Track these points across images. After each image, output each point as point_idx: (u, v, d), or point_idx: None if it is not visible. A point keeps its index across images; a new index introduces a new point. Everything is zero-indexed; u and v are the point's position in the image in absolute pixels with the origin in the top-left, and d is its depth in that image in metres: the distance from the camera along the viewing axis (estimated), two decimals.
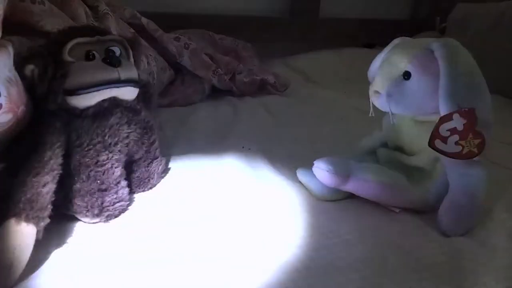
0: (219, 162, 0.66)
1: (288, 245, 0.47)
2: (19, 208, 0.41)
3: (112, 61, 0.49)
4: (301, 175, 0.60)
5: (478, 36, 1.22)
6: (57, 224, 0.47)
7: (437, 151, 0.48)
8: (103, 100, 0.50)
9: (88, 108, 0.49)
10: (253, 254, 0.45)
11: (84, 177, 0.49)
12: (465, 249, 0.48)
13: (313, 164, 0.55)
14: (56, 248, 0.44)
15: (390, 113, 0.53)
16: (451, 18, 1.39)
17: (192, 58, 0.97)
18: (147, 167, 0.57)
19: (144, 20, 0.95)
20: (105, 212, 0.49)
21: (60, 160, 0.46)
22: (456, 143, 0.47)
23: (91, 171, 0.49)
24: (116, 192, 0.50)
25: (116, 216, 0.50)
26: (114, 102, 0.51)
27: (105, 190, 0.50)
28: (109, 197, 0.49)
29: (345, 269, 0.44)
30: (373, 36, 1.54)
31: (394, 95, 0.52)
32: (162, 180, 0.60)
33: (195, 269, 0.42)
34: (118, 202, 0.50)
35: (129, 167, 0.56)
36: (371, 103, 0.56)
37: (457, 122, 0.46)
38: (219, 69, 0.99)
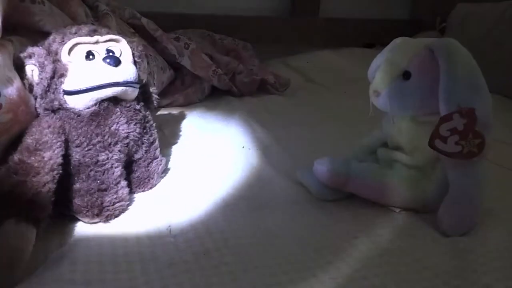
0: (219, 162, 0.66)
1: (288, 245, 0.47)
2: (19, 208, 0.41)
3: (111, 61, 0.49)
4: (301, 175, 0.60)
5: (478, 36, 1.22)
6: (57, 224, 0.47)
7: (437, 151, 0.48)
8: (103, 100, 0.50)
9: (87, 108, 0.50)
10: (253, 254, 0.45)
11: (84, 177, 0.49)
12: (465, 249, 0.47)
13: (313, 164, 0.55)
14: (56, 248, 0.44)
15: (390, 113, 0.53)
16: (451, 18, 1.39)
17: (192, 58, 0.97)
18: (147, 167, 0.57)
19: (144, 20, 0.95)
20: (105, 212, 0.49)
21: (60, 160, 0.46)
22: (456, 143, 0.47)
23: (91, 171, 0.49)
24: (116, 192, 0.50)
25: (116, 216, 0.50)
26: (114, 102, 0.51)
27: (105, 190, 0.50)
28: (109, 197, 0.49)
29: (345, 269, 0.44)
30: (373, 36, 1.54)
31: (394, 95, 0.52)
32: (162, 180, 0.60)
33: (194, 269, 0.42)
34: (118, 202, 0.50)
35: (129, 167, 0.56)
36: (371, 103, 0.56)
37: (457, 122, 0.46)
38: (219, 69, 0.99)
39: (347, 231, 0.50)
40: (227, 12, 1.37)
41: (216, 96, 1.02)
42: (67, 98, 0.49)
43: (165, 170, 0.62)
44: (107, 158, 0.50)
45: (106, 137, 0.50)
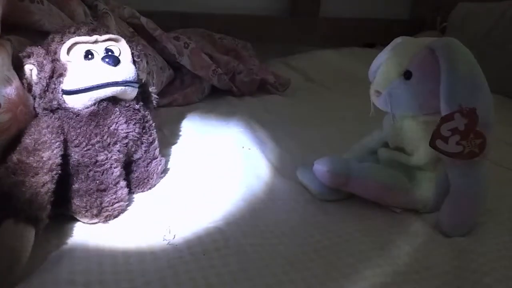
0: (219, 162, 0.66)
1: (287, 245, 0.47)
2: (18, 208, 0.41)
3: (111, 60, 0.49)
4: (301, 175, 0.60)
5: (479, 36, 1.22)
6: (56, 225, 0.47)
7: (438, 151, 0.48)
8: (102, 100, 0.50)
9: (86, 107, 0.49)
10: (253, 254, 0.45)
11: (83, 177, 0.49)
12: (465, 249, 0.47)
13: (313, 164, 0.55)
14: (55, 249, 0.44)
15: (390, 112, 0.53)
16: (452, 17, 1.39)
17: (191, 57, 0.97)
18: (146, 167, 0.57)
19: (143, 19, 0.95)
20: (104, 212, 0.49)
21: (58, 160, 0.46)
22: (457, 143, 0.47)
23: (90, 171, 0.49)
24: (115, 193, 0.50)
25: (115, 217, 0.50)
26: (113, 102, 0.51)
27: (104, 190, 0.49)
28: (108, 197, 0.49)
29: (345, 269, 0.44)
30: (373, 36, 1.54)
31: (395, 94, 0.52)
32: (162, 181, 0.60)
33: (194, 269, 0.42)
34: (117, 202, 0.50)
35: (128, 167, 0.56)
36: (371, 103, 0.56)
37: (458, 122, 0.46)
38: (218, 69, 0.99)
39: (347, 231, 0.50)
40: (227, 11, 1.37)
41: (216, 96, 1.02)
42: (66, 97, 0.48)
43: (165, 170, 0.61)
44: (106, 158, 0.50)
45: (105, 137, 0.50)
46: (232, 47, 1.17)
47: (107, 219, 0.49)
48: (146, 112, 0.57)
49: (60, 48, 0.49)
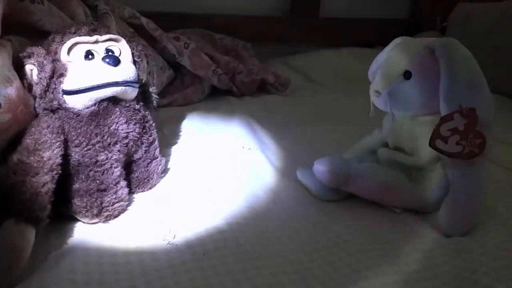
0: (219, 162, 0.66)
1: (287, 245, 0.47)
2: (18, 208, 0.41)
3: (111, 60, 0.49)
4: (301, 175, 0.60)
5: (478, 36, 1.22)
6: (57, 225, 0.47)
7: (437, 151, 0.48)
8: (102, 100, 0.50)
9: (87, 107, 0.49)
10: (253, 254, 0.45)
11: (83, 177, 0.49)
12: (465, 249, 0.47)
13: (313, 164, 0.55)
14: (55, 249, 0.44)
15: (390, 113, 0.53)
16: (452, 17, 1.39)
17: (191, 57, 0.97)
18: (147, 167, 0.57)
19: (143, 19, 0.95)
20: (104, 212, 0.49)
21: (59, 160, 0.46)
22: (457, 143, 0.47)
23: (90, 171, 0.49)
24: (116, 192, 0.50)
25: (115, 217, 0.50)
26: (113, 102, 0.51)
27: (104, 190, 0.49)
28: (108, 197, 0.49)
29: (345, 269, 0.44)
30: (373, 36, 1.54)
31: (395, 94, 0.52)
32: (162, 181, 0.60)
33: (194, 269, 0.42)
34: (117, 202, 0.50)
35: (129, 167, 0.56)
36: (371, 103, 0.56)
37: (458, 122, 0.46)
38: (218, 69, 0.99)
39: (347, 231, 0.50)
40: (227, 12, 1.37)
41: (216, 96, 1.02)
42: (66, 98, 0.49)
43: (165, 170, 0.62)
44: (107, 158, 0.50)
45: (105, 137, 0.50)
46: (232, 47, 1.17)
47: (107, 219, 0.49)
48: (146, 112, 0.57)
49: (61, 48, 0.49)
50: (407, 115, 0.54)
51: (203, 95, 1.01)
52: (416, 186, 0.54)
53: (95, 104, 0.50)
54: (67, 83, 0.48)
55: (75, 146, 0.49)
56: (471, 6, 1.34)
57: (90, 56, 0.50)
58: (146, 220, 0.50)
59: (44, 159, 0.44)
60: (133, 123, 0.53)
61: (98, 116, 0.50)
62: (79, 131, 0.49)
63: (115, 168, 0.51)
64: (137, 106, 0.54)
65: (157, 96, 0.61)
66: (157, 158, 0.59)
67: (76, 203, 0.48)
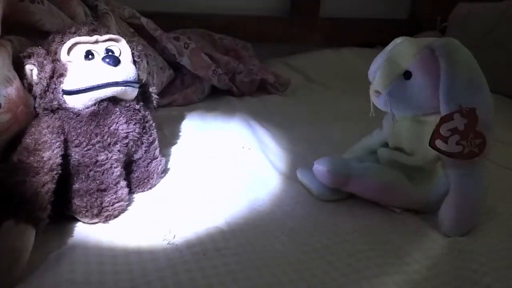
0: (219, 162, 0.66)
1: (287, 245, 0.47)
2: (18, 208, 0.41)
3: (111, 60, 0.49)
4: (301, 175, 0.60)
5: (479, 36, 1.22)
6: (56, 225, 0.47)
7: (437, 151, 0.48)
8: (102, 100, 0.50)
9: (87, 107, 0.49)
10: (253, 254, 0.45)
11: (83, 177, 0.49)
12: (465, 249, 0.47)
13: (313, 164, 0.55)
14: (55, 249, 0.44)
15: (390, 113, 0.53)
16: (452, 17, 1.39)
17: (191, 57, 0.97)
18: (147, 167, 0.57)
19: (143, 19, 0.95)
20: (104, 212, 0.49)
21: (59, 160, 0.46)
22: (457, 143, 0.47)
23: (90, 171, 0.49)
24: (116, 192, 0.50)
25: (115, 217, 0.50)
26: (113, 102, 0.51)
27: (104, 190, 0.49)
28: (109, 197, 0.49)
29: (345, 269, 0.44)
30: (373, 36, 1.54)
31: (395, 95, 0.52)
32: (162, 181, 0.60)
33: (194, 269, 0.42)
34: (117, 202, 0.50)
35: (129, 167, 0.56)
36: (371, 103, 0.56)
37: (458, 122, 0.46)
38: (218, 69, 0.99)
39: (347, 231, 0.50)
40: (227, 12, 1.37)
41: (216, 96, 1.02)
42: (66, 98, 0.48)
43: (165, 170, 0.62)
44: (107, 158, 0.50)
45: (105, 137, 0.50)
46: (232, 47, 1.17)
47: (107, 219, 0.49)
48: (146, 112, 0.57)
49: (61, 48, 0.49)
50: (407, 115, 0.54)
51: (203, 95, 1.01)
52: (416, 186, 0.54)
53: (95, 104, 0.50)
54: (67, 83, 0.48)
55: (75, 146, 0.49)
56: (471, 6, 1.34)
57: (90, 56, 0.50)
58: (146, 220, 0.50)
59: (44, 159, 0.44)
60: (133, 123, 0.53)
61: (98, 116, 0.50)
62: (79, 131, 0.49)
63: (115, 168, 0.51)
64: (137, 106, 0.54)
65: (157, 96, 0.61)
66: (157, 158, 0.59)
67: (76, 203, 0.48)
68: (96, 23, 0.73)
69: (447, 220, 0.50)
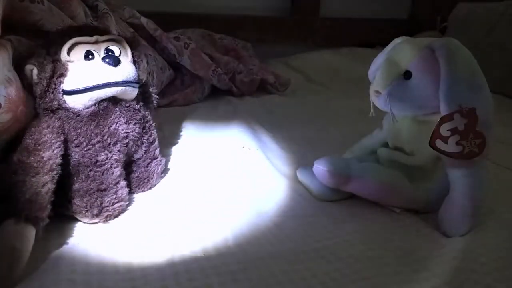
0: (219, 162, 0.66)
1: (287, 245, 0.47)
2: (18, 208, 0.41)
3: (111, 60, 0.49)
4: (301, 175, 0.60)
5: (479, 36, 1.22)
6: (56, 225, 0.47)
7: (437, 151, 0.48)
8: (102, 100, 0.50)
9: (87, 107, 0.49)
10: (253, 254, 0.45)
11: (83, 177, 0.49)
12: (465, 249, 0.47)
13: (313, 164, 0.55)
14: (55, 249, 0.44)
15: (390, 113, 0.53)
16: (452, 17, 1.39)
17: (191, 57, 0.97)
18: (147, 167, 0.57)
19: (143, 19, 0.95)
20: (104, 212, 0.49)
21: (59, 160, 0.46)
22: (457, 143, 0.47)
23: (90, 171, 0.49)
24: (116, 192, 0.50)
25: (115, 217, 0.50)
26: (113, 102, 0.51)
27: (104, 190, 0.49)
28: (109, 197, 0.49)
29: (345, 269, 0.44)
30: (373, 36, 1.54)
31: (395, 94, 0.52)
32: (162, 181, 0.60)
33: (194, 269, 0.42)
34: (117, 202, 0.50)
35: (129, 167, 0.56)
36: (371, 103, 0.56)
37: (458, 122, 0.46)
38: (218, 69, 0.99)
39: (347, 232, 0.50)
40: (227, 12, 1.37)
41: (216, 96, 1.02)
42: (66, 98, 0.48)
43: (165, 170, 0.62)
44: (107, 158, 0.50)
45: (105, 137, 0.50)
46: (232, 47, 1.17)
47: (107, 219, 0.49)
48: (146, 112, 0.57)
49: (61, 48, 0.49)
50: (407, 115, 0.54)
51: (203, 95, 1.01)
52: (416, 186, 0.54)
53: (95, 104, 0.50)
54: (67, 83, 0.48)
55: (75, 146, 0.49)
56: (471, 6, 1.35)
57: (90, 56, 0.49)
58: (146, 220, 0.50)
59: (44, 159, 0.44)
60: (133, 123, 0.53)
61: (98, 116, 0.50)
62: (79, 131, 0.49)
63: (115, 168, 0.51)
64: (137, 106, 0.54)
65: (157, 96, 0.61)
66: (157, 158, 0.59)
67: (76, 203, 0.48)
68: (96, 23, 0.73)
69: (447, 220, 0.50)
